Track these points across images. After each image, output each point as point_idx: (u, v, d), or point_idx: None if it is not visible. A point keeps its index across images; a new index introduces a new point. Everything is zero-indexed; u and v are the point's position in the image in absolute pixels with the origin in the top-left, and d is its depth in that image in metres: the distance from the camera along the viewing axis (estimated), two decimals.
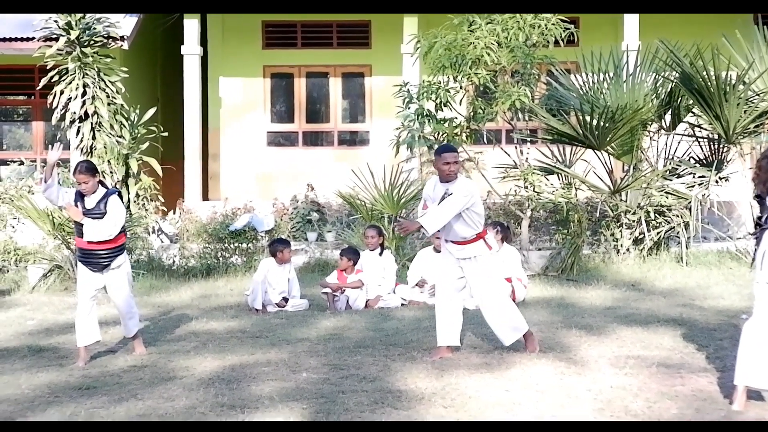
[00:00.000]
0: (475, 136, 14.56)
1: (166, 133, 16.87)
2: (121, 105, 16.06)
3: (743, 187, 13.02)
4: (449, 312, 7.96)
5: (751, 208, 13.35)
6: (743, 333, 6.26)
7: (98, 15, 16.22)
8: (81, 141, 15.87)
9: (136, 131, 16.24)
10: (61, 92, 15.78)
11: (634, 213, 13.48)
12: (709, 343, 8.04)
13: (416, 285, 11.03)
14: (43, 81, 16.00)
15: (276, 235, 14.04)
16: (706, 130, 14.00)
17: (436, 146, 14.52)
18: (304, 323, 9.61)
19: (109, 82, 15.95)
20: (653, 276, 12.27)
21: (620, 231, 13.55)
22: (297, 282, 11.09)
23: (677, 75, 13.58)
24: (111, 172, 15.29)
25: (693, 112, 13.87)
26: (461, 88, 13.77)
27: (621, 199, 13.72)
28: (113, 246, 8.21)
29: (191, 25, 18.11)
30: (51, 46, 15.90)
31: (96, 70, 15.86)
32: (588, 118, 13.23)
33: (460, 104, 13.96)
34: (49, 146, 8.11)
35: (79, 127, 15.87)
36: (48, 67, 15.93)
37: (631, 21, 17.49)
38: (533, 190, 13.70)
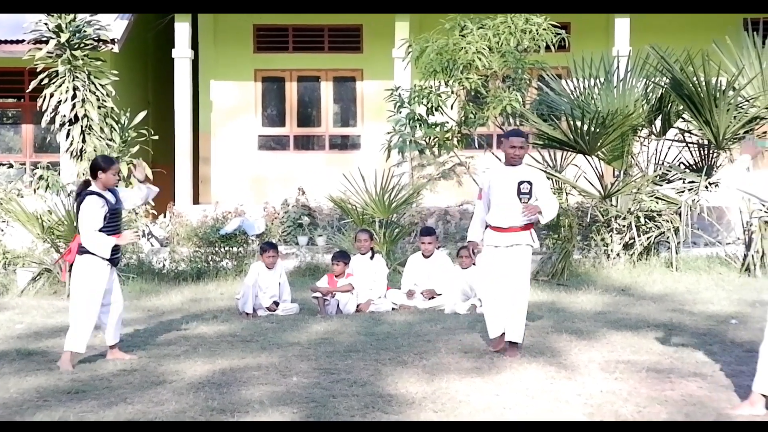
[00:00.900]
0: (467, 141, 14.59)
1: (156, 137, 16.85)
2: (112, 108, 16.04)
3: (732, 193, 13.05)
4: (498, 305, 8.11)
5: (740, 214, 13.40)
6: (764, 340, 6.23)
7: (88, 17, 16.21)
8: (71, 144, 15.84)
9: (127, 134, 16.21)
10: (51, 95, 15.76)
11: (624, 218, 13.51)
12: (698, 347, 8.06)
13: (406, 294, 11.03)
14: (33, 84, 15.97)
15: (267, 239, 14.03)
16: (696, 135, 14.04)
17: (427, 151, 14.60)
18: (294, 327, 9.60)
19: (100, 85, 15.94)
20: (643, 281, 12.29)
21: (611, 236, 13.57)
22: (288, 286, 11.06)
23: (668, 81, 13.62)
24: None
25: (683, 118, 13.90)
26: (452, 92, 13.79)
27: (611, 204, 13.74)
28: None
29: (182, 28, 18.09)
30: (41, 49, 15.88)
31: (86, 73, 15.84)
32: (579, 123, 13.26)
33: (452, 109, 13.97)
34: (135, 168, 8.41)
35: (69, 130, 15.85)
36: (38, 70, 15.90)
37: (622, 26, 17.54)
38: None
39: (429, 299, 10.87)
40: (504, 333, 8.07)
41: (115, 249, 8.15)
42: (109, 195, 8.12)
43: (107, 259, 8.08)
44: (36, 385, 7.29)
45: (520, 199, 8.01)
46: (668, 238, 13.48)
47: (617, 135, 13.39)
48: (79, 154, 15.77)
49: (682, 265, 13.25)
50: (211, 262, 13.89)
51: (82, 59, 15.83)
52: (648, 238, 13.55)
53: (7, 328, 10.02)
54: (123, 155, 15.83)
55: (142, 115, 16.50)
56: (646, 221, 13.54)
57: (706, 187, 13.64)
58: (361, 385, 6.97)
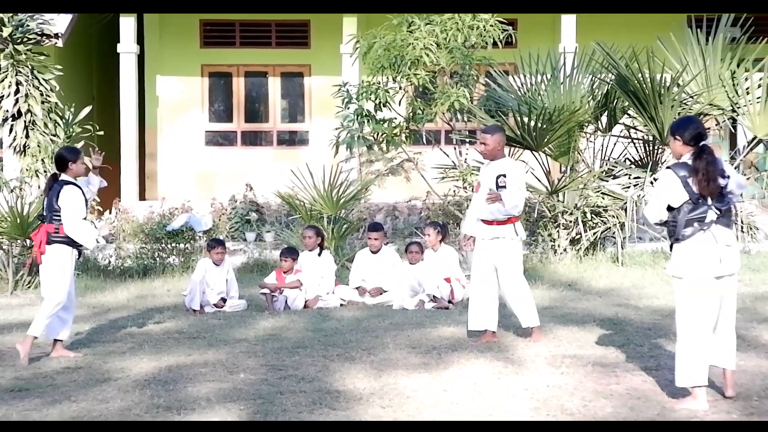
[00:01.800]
0: (415, 137, 14.61)
1: (101, 132, 16.64)
2: (56, 103, 15.83)
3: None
4: (482, 297, 8.37)
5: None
6: (678, 338, 6.38)
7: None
8: (14, 140, 15.62)
9: (71, 130, 16.01)
10: None
11: (571, 213, 13.62)
12: (643, 342, 8.14)
13: (356, 289, 11.02)
14: None
15: (214, 236, 13.94)
16: (641, 131, 14.19)
17: (375, 147, 14.59)
18: (242, 324, 9.55)
19: (43, 80, 15.71)
20: (590, 276, 12.39)
21: (557, 231, 13.67)
22: (235, 282, 11.01)
23: (613, 77, 13.75)
24: (45, 172, 15.04)
25: (628, 114, 14.05)
26: (400, 88, 13.81)
27: (558, 200, 13.84)
28: None
29: (127, 23, 17.92)
30: None
31: (29, 67, 15.62)
32: (526, 120, 13.33)
33: (400, 105, 13.99)
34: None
35: (12, 125, 15.62)
36: None
37: (569, 23, 17.68)
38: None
39: (377, 295, 10.87)
40: (487, 330, 8.37)
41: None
42: (81, 185, 8.25)
43: (76, 249, 8.14)
44: None
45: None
46: (614, 233, 13.61)
47: (564, 131, 13.49)
48: (22, 149, 15.55)
49: (627, 260, 13.39)
50: (157, 259, 13.78)
51: (25, 54, 15.61)
52: (594, 234, 13.67)
53: None
54: None
55: (86, 110, 16.31)
56: (592, 217, 13.66)
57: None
58: (308, 381, 6.95)
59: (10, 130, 15.66)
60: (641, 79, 13.11)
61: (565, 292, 11.25)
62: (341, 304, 10.79)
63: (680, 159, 6.46)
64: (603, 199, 13.68)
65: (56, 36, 16.69)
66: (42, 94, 15.61)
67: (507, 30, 13.58)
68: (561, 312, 9.75)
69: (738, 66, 13.85)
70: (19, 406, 6.48)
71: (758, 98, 13.63)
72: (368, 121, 13.94)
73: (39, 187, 14.57)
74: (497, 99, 14.33)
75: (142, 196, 18.80)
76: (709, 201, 6.30)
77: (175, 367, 7.54)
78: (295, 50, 19.82)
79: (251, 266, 13.75)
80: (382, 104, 13.67)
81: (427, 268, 10.62)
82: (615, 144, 14.33)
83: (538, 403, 6.36)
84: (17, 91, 15.47)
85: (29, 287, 12.16)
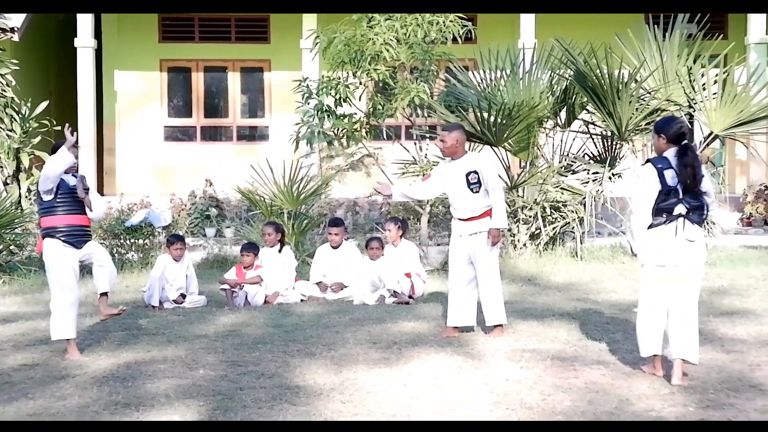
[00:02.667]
0: (375, 132, 14.60)
1: (59, 127, 16.44)
2: (12, 98, 15.66)
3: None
4: (461, 293, 8.45)
5: None
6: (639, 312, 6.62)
7: None
8: None
9: (28, 125, 15.86)
10: None
11: (530, 209, 13.69)
12: (602, 336, 8.21)
13: (317, 285, 11.01)
14: None
15: (173, 231, 13.85)
16: (599, 127, 14.29)
17: (335, 142, 14.55)
18: (202, 320, 9.50)
19: None
20: (549, 271, 12.48)
21: (517, 226, 13.73)
22: (195, 278, 10.94)
23: (572, 73, 13.83)
24: (1, 167, 14.89)
25: (587, 110, 14.14)
26: (360, 83, 13.79)
27: (518, 195, 13.91)
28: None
29: (85, 17, 17.75)
30: None
31: None
32: (486, 115, 13.38)
33: (360, 100, 13.97)
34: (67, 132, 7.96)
35: None
36: None
37: (528, 20, 17.76)
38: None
39: (339, 291, 10.87)
40: (455, 326, 8.45)
41: (76, 230, 8.02)
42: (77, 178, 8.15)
43: (69, 243, 7.95)
44: None
45: (471, 190, 8.31)
46: (573, 228, 13.71)
47: (523, 126, 13.55)
48: None
49: (586, 254, 13.49)
50: (116, 255, 13.65)
51: None
52: (554, 229, 13.75)
53: None
54: (24, 146, 15.47)
55: (43, 105, 16.16)
56: (551, 212, 13.75)
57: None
58: (268, 377, 6.94)
59: None
60: (599, 75, 13.20)
61: (525, 286, 11.32)
62: (302, 300, 10.78)
63: (661, 155, 6.70)
64: (562, 194, 13.77)
65: (12, 30, 16.50)
66: None
67: (467, 26, 13.60)
68: (521, 306, 9.80)
69: (694, 62, 13.98)
70: None
71: (714, 94, 13.78)
72: (328, 116, 13.91)
73: None
74: (457, 94, 14.36)
75: (100, 192, 18.60)
76: (680, 195, 6.52)
77: (134, 363, 7.49)
78: (255, 45, 19.74)
79: (211, 262, 13.69)
80: (342, 100, 13.65)
81: (387, 263, 10.62)
82: (574, 139, 14.43)
83: (497, 397, 6.39)
84: None
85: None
